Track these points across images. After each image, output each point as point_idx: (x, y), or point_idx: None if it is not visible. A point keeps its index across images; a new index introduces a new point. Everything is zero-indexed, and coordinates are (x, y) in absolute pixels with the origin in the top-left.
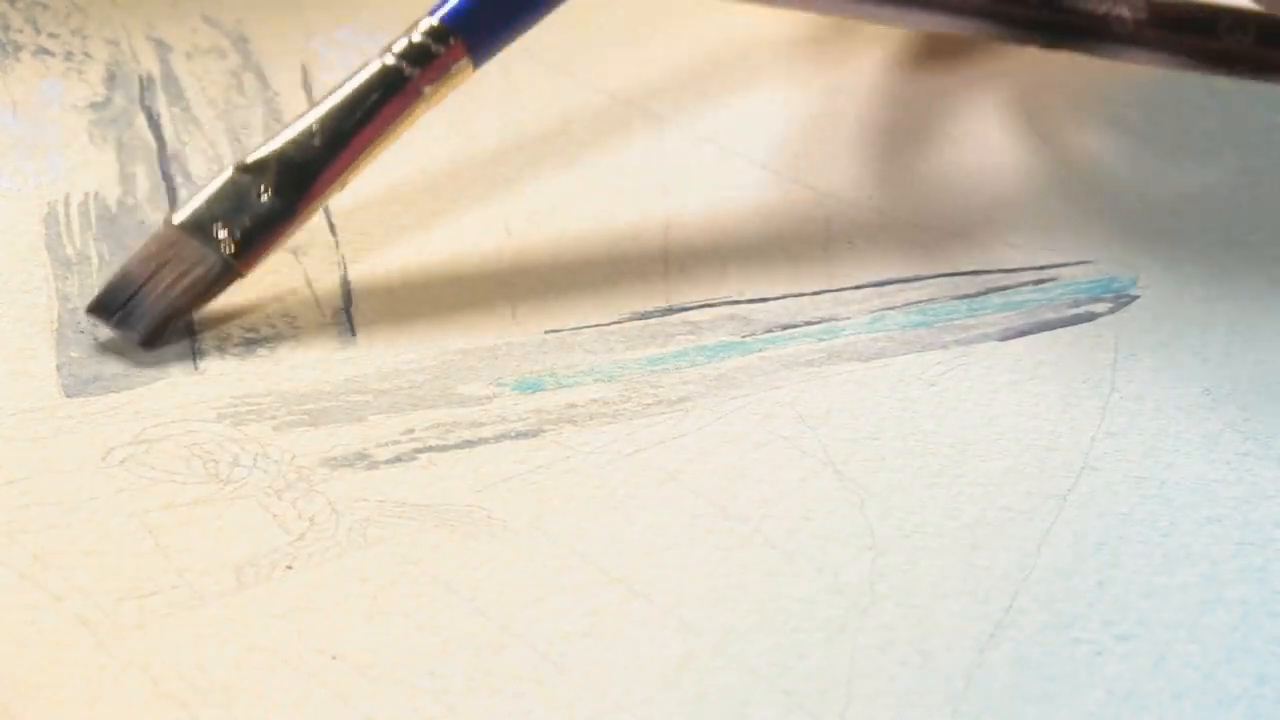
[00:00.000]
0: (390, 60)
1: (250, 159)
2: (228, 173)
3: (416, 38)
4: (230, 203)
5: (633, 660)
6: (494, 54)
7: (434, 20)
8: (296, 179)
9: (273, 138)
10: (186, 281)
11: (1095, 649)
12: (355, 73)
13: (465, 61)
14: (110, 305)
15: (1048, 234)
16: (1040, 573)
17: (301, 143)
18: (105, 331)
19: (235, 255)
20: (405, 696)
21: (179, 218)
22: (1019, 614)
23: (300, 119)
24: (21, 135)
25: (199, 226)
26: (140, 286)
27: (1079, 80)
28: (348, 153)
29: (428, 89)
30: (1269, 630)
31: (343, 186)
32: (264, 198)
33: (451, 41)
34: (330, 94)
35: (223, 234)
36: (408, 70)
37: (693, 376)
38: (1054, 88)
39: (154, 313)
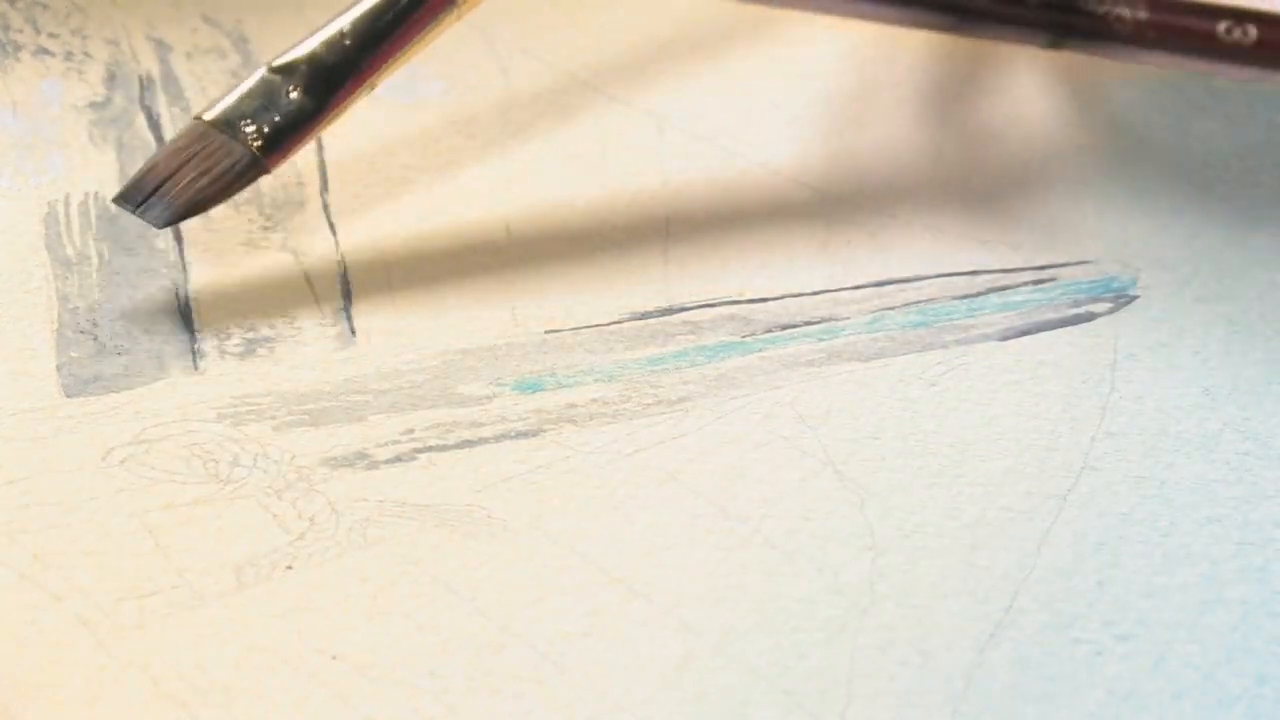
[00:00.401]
0: None
1: (281, 60)
2: (260, 72)
3: None
4: (260, 101)
5: (633, 660)
6: None
7: None
8: (326, 79)
9: (304, 39)
10: (213, 174)
11: (1095, 649)
12: None
13: None
14: (136, 195)
15: (1048, 234)
16: (1040, 573)
17: (333, 44)
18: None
19: (262, 150)
20: (405, 696)
21: (209, 114)
22: (1019, 614)
23: (332, 21)
24: (21, 135)
25: (228, 123)
26: (167, 178)
27: (1079, 80)
28: (378, 57)
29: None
30: (1269, 630)
31: (371, 89)
32: (293, 96)
33: None
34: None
35: (250, 129)
36: None
37: (693, 376)
38: (1054, 88)
39: (178, 202)
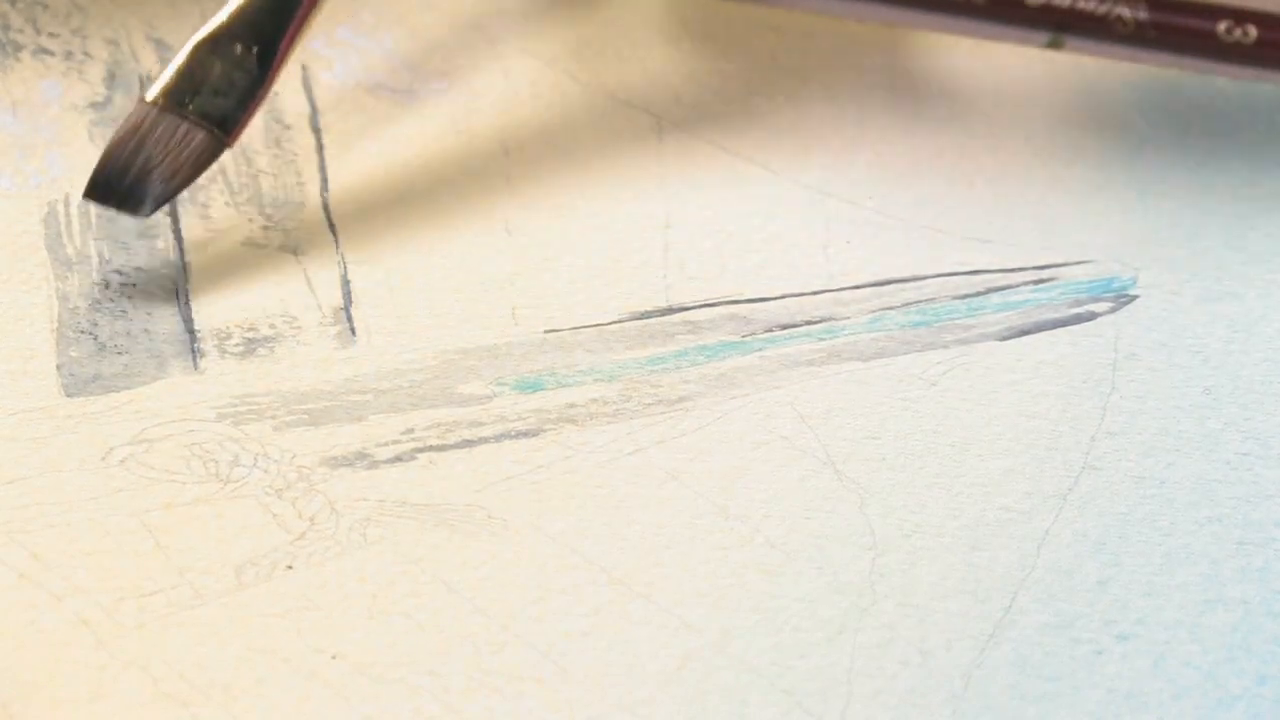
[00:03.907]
0: None
1: (208, 30)
2: (190, 46)
3: None
4: (202, 75)
5: (633, 660)
6: None
7: None
8: (260, 43)
9: (223, 9)
10: (179, 161)
11: (1095, 649)
12: None
13: None
14: (108, 189)
15: (1048, 234)
16: (1040, 573)
17: (253, 9)
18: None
19: (221, 129)
20: (405, 696)
21: (155, 94)
22: (1019, 614)
23: None
24: (21, 135)
25: (178, 103)
26: (132, 167)
27: (1080, 80)
28: (300, 10)
29: None
30: (1269, 630)
31: (297, 45)
32: (235, 66)
33: None
34: None
35: (203, 107)
36: None
37: (693, 376)
38: (1054, 88)
39: (155, 192)
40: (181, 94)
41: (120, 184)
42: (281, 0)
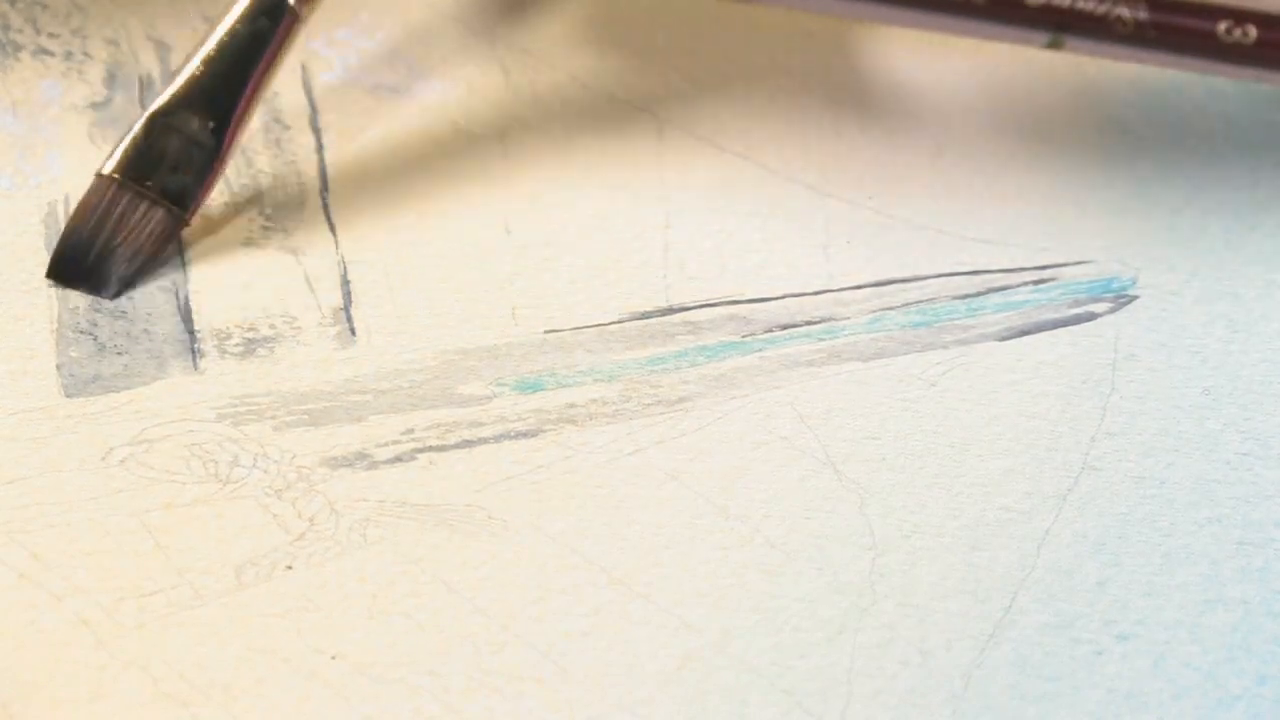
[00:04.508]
0: None
1: (161, 103)
2: (143, 119)
3: None
4: (158, 149)
5: (633, 660)
6: None
7: None
8: (213, 116)
9: (173, 82)
10: (140, 240)
11: (1095, 649)
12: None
13: None
14: (73, 270)
15: (1048, 234)
16: (1040, 573)
17: (203, 81)
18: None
19: (180, 206)
20: (405, 696)
21: (110, 169)
22: (1019, 614)
23: (192, 58)
24: (21, 135)
25: (135, 178)
26: (94, 247)
27: (1079, 80)
28: (249, 83)
29: (304, 10)
30: (1269, 630)
31: (250, 116)
32: (190, 140)
33: None
34: (214, 30)
35: (160, 184)
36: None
37: (693, 376)
38: (1054, 88)
39: (119, 273)
40: (140, 170)
41: (84, 264)
42: (235, 70)
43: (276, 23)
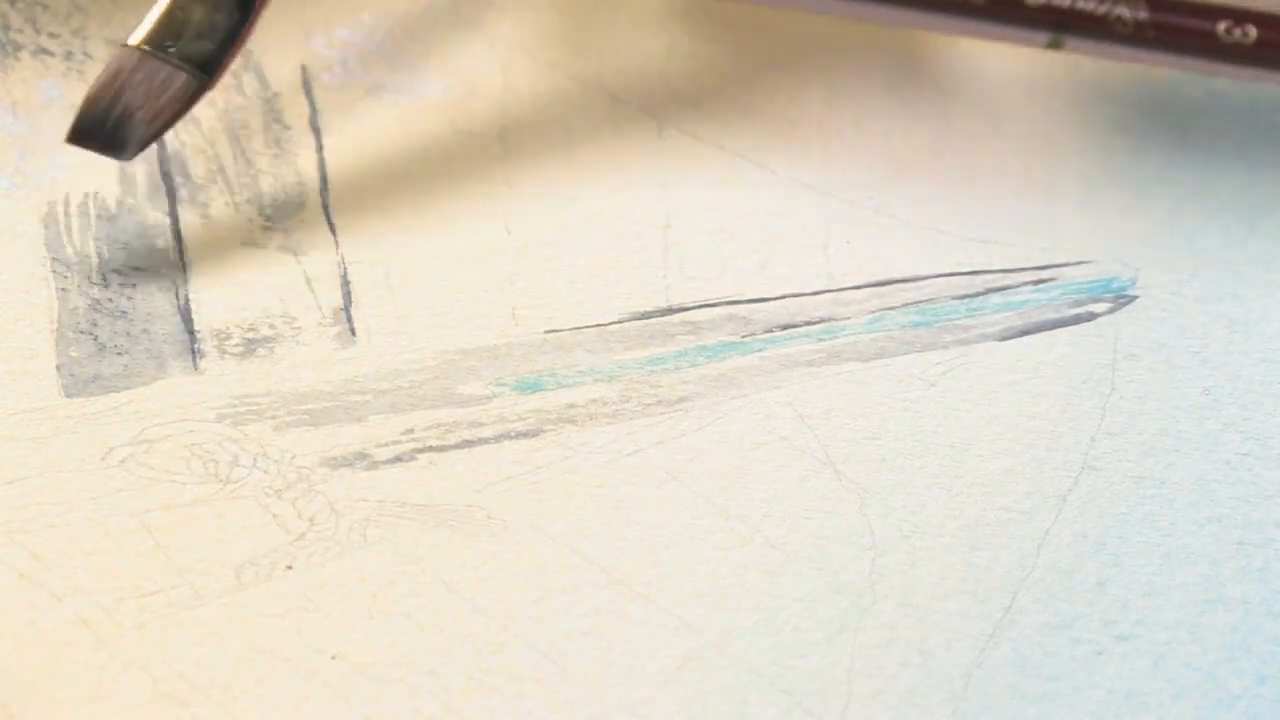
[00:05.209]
0: None
1: None
2: None
3: None
4: (184, 18)
5: (633, 660)
6: None
7: None
8: None
9: None
10: (161, 102)
11: (1095, 649)
12: None
13: None
14: (93, 131)
15: (1048, 234)
16: (1040, 573)
17: None
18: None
19: (202, 71)
20: (405, 696)
21: (138, 39)
22: (1019, 614)
23: None
24: (21, 135)
25: (160, 46)
26: (115, 110)
27: (1080, 80)
28: None
29: None
30: (1269, 630)
31: None
32: (216, 11)
33: None
34: None
35: (184, 50)
36: None
37: (693, 376)
38: (1054, 88)
39: (138, 134)
40: (163, 38)
41: (103, 127)
42: None
43: None
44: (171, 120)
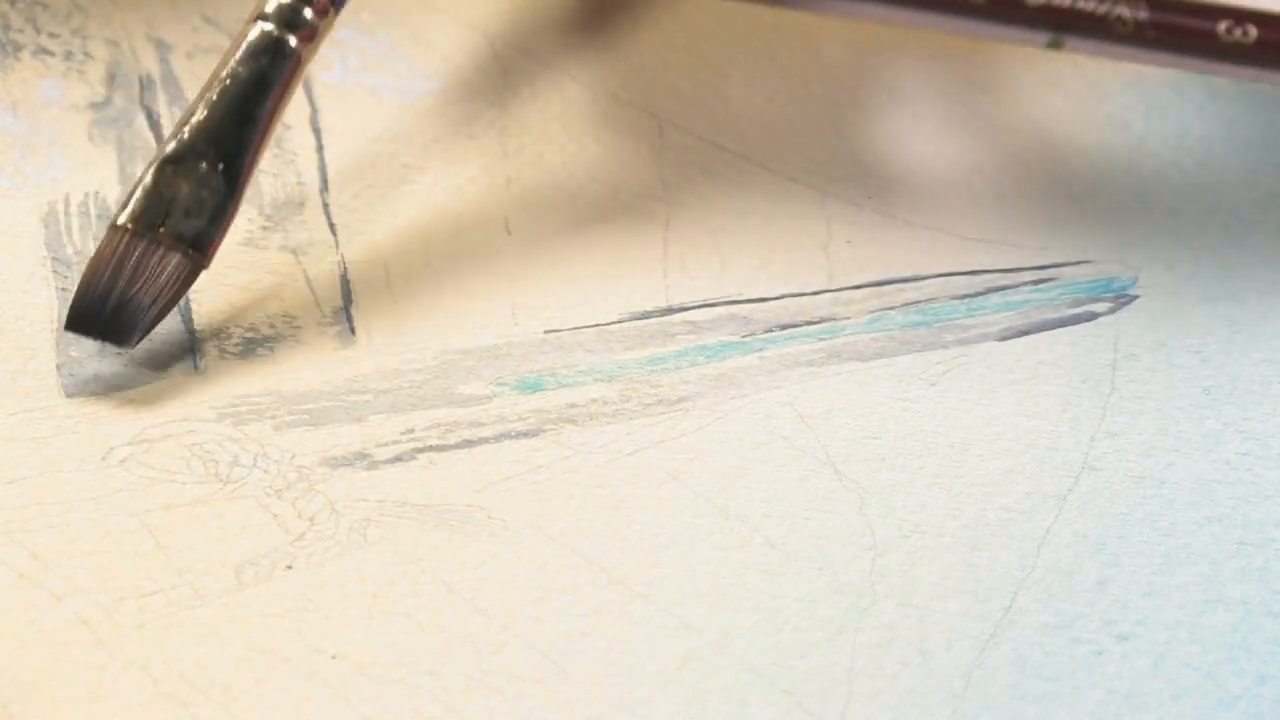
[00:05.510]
0: (270, 29)
1: (171, 149)
2: (155, 164)
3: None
4: (172, 195)
5: (633, 660)
6: None
7: None
8: (225, 159)
9: (184, 124)
10: (160, 287)
11: (1095, 649)
12: (237, 46)
13: (330, 14)
14: (94, 321)
15: (1048, 234)
16: (1040, 573)
17: (211, 125)
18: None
19: (197, 251)
20: (405, 696)
21: (125, 219)
22: (1019, 614)
23: (195, 103)
24: (21, 135)
25: (149, 226)
26: (114, 295)
27: (1079, 80)
28: (260, 125)
29: (307, 52)
30: (1269, 630)
31: (260, 156)
32: (203, 184)
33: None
34: (216, 72)
35: (176, 230)
36: (289, 40)
37: (693, 376)
38: (1054, 88)
39: (141, 322)
40: (152, 217)
41: (102, 313)
42: (244, 114)
43: (277, 61)
44: (171, 303)
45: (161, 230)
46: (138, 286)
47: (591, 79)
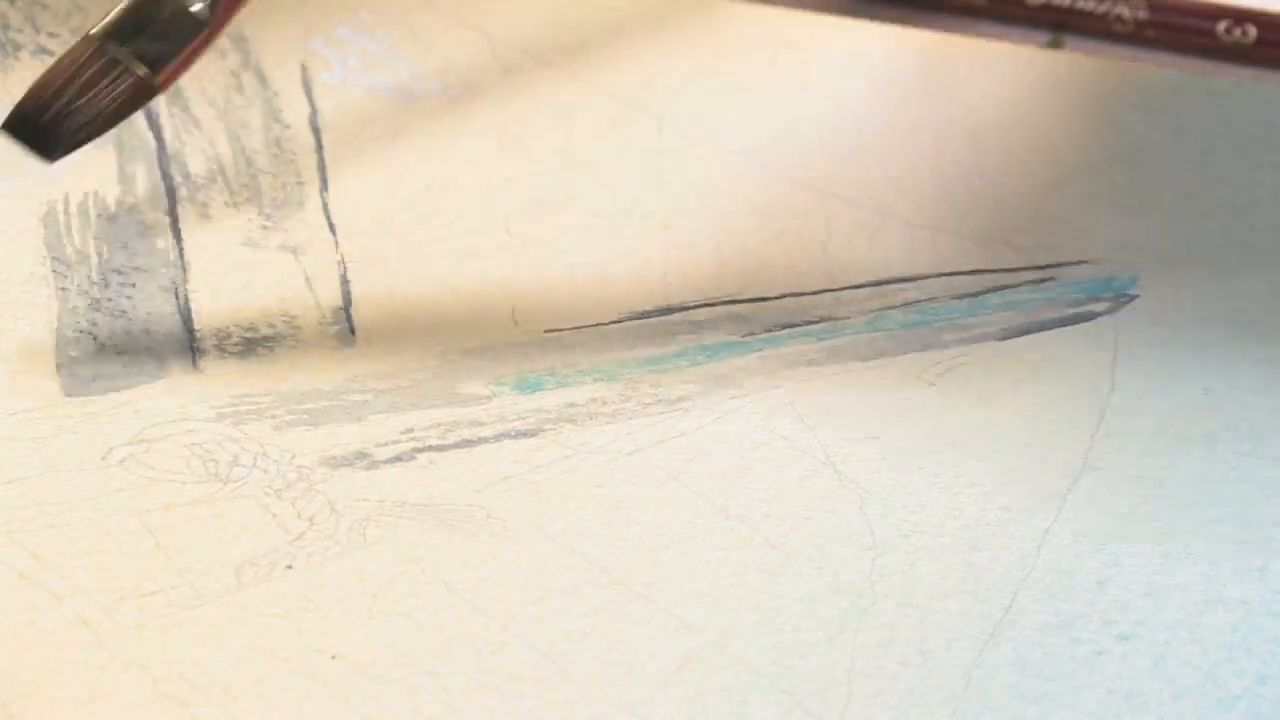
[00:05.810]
0: None
1: None
2: None
3: None
4: (147, 18)
5: (633, 660)
6: None
7: None
8: None
9: None
10: (103, 102)
11: (1095, 649)
12: None
13: None
14: (25, 125)
15: (1048, 234)
16: (1040, 573)
17: None
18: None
19: (153, 72)
20: (405, 696)
21: (97, 30)
22: (1019, 614)
23: None
24: None
25: (117, 40)
26: (58, 104)
27: (1080, 80)
28: None
29: None
30: (1269, 630)
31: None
32: (183, 13)
33: None
34: None
35: (140, 48)
36: None
37: (693, 376)
38: (1054, 88)
39: (71, 139)
40: (125, 34)
41: (38, 121)
42: None
43: None
44: (108, 124)
45: (124, 48)
46: (82, 101)
47: (590, 78)
